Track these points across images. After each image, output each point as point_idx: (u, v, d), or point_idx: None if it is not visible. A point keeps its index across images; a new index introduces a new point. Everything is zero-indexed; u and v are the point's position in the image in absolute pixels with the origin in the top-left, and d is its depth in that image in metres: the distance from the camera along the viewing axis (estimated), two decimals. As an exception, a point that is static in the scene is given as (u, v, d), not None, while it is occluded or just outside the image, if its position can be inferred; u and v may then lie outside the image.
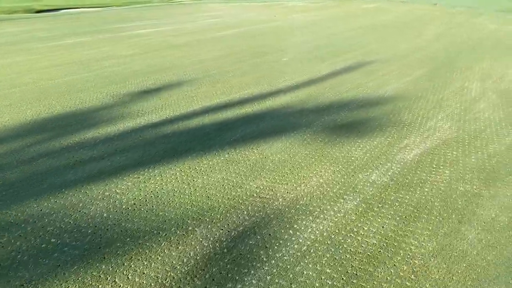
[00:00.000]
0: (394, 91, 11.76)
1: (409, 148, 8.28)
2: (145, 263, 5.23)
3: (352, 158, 7.89)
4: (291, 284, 4.90)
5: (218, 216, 6.20)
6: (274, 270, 5.10)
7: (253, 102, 11.02)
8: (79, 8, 46.19)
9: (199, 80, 13.06)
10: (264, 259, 5.29)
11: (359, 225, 5.97)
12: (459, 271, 5.09)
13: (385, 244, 5.55)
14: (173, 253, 5.40)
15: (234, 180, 7.20)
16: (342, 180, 7.21)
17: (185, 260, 5.28)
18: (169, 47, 18.32)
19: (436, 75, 13.26)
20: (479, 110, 10.32)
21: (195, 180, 7.21)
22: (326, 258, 5.31)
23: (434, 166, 7.67)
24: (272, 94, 11.55)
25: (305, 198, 6.62)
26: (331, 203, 6.51)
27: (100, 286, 4.87)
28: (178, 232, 5.85)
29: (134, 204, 6.50)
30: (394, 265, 5.18)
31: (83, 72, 14.04)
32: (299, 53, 16.61)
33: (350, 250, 5.45)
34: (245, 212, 6.27)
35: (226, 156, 8.03)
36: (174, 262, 5.23)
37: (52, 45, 18.80)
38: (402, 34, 19.96)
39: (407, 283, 4.89)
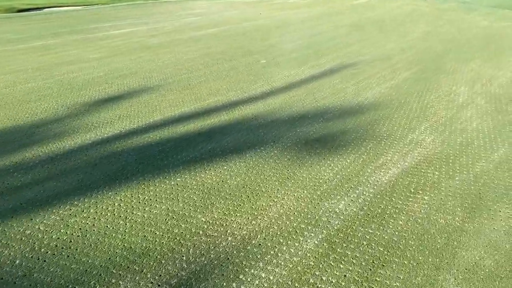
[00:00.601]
0: (375, 97, 10.75)
1: (385, 168, 7.28)
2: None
3: (321, 181, 6.89)
4: None
5: (151, 263, 5.17)
6: None
7: (222, 111, 9.99)
8: (63, 6, 44.78)
9: (167, 86, 12.00)
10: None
11: (317, 273, 4.97)
12: None
13: (345, 301, 4.56)
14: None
15: (181, 212, 6.18)
16: (306, 210, 6.21)
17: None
18: (141, 48, 17.20)
19: (422, 78, 12.25)
20: (466, 119, 9.33)
21: (134, 213, 6.18)
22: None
23: (412, 190, 6.69)
24: (244, 102, 10.54)
25: (259, 236, 5.61)
26: (289, 242, 5.51)
27: None
28: (97, 287, 4.81)
29: (56, 246, 5.46)
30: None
31: (44, 79, 12.97)
32: (280, 55, 15.56)
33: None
34: (185, 257, 5.25)
35: (178, 180, 7.01)
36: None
37: (18, 48, 17.67)
38: (389, 33, 18.95)
39: None
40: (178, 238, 5.61)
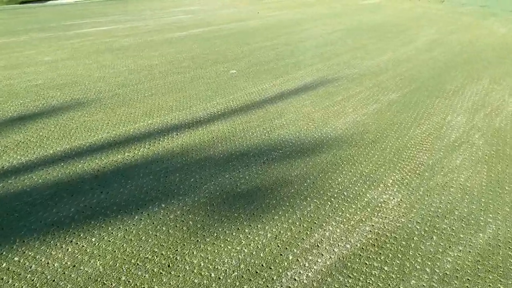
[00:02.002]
0: (345, 128, 8.48)
1: (315, 252, 5.03)
2: None
3: (212, 275, 4.68)
4: None
5: None
6: None
7: (144, 141, 7.86)
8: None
9: (103, 101, 9.98)
10: None
11: None
12: None
13: None
14: None
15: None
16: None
17: None
18: (105, 50, 15.19)
19: (412, 102, 9.88)
20: (453, 169, 6.98)
21: None
22: None
23: (345, 298, 4.45)
24: (182, 128, 8.51)
25: None
26: None
27: None
28: None
29: None
30: None
31: (-31, 85, 11.11)
32: (256, 63, 13.37)
33: None
34: None
35: (14, 261, 4.89)
36: None
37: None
38: (389, 40, 16.49)
39: None
40: None
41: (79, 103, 9.73)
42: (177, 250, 4.85)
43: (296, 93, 10.62)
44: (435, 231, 5.24)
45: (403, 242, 5.05)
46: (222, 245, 4.95)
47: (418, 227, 5.34)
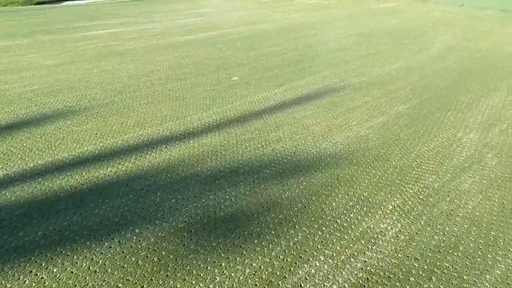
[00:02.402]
0: (347, 143, 7.88)
1: None
2: None
3: None
4: None
5: None
6: None
7: (131, 154, 7.43)
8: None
9: (95, 110, 9.57)
10: None
11: None
12: None
13: None
14: None
15: None
16: None
17: None
18: (107, 55, 14.86)
19: (421, 114, 9.21)
20: (460, 194, 6.31)
21: None
22: None
23: None
24: (173, 140, 8.08)
25: None
26: None
27: None
28: None
29: None
30: None
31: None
32: (259, 70, 12.85)
33: None
34: None
35: None
36: None
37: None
38: (403, 46, 15.77)
39: None
40: None
41: (70, 111, 9.32)
42: (142, 287, 4.32)
43: (298, 102, 10.03)
44: (435, 270, 4.60)
45: (397, 284, 4.42)
46: (193, 282, 4.41)
47: (416, 265, 4.70)
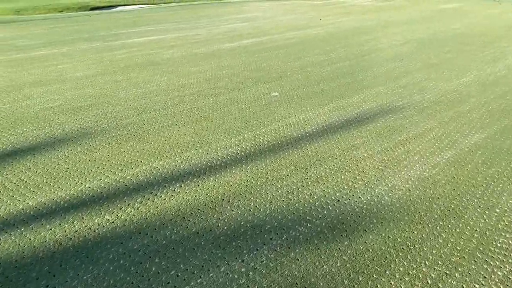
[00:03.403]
0: (406, 188, 6.17)
1: None
2: None
3: None
4: None
5: None
6: None
7: (136, 196, 6.18)
8: (137, 4, 44.18)
9: (111, 132, 8.43)
10: None
11: None
12: None
13: None
14: None
15: None
16: None
17: None
18: (143, 65, 13.86)
19: (504, 147, 7.30)
20: None
21: None
22: None
23: None
24: (189, 176, 6.87)
25: None
26: None
27: None
28: None
29: None
30: None
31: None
32: (303, 84, 11.26)
33: None
34: None
35: None
36: None
37: (9, 58, 15.43)
38: (472, 54, 13.47)
39: None
40: None
41: (84, 134, 8.16)
42: None
43: (347, 127, 8.25)
44: None
45: None
46: None
47: None
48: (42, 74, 13.01)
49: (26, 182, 6.67)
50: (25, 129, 8.76)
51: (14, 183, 6.62)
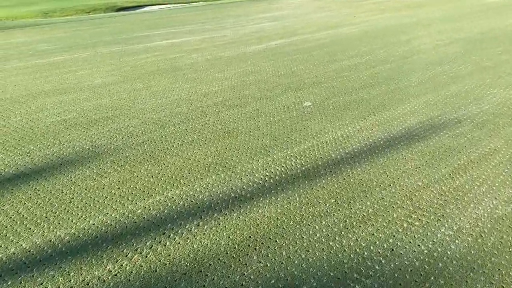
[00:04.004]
0: (477, 234, 5.03)
1: None
2: None
3: None
4: None
5: None
6: None
7: (136, 241, 5.06)
8: (164, 4, 43.84)
9: (124, 152, 7.51)
10: None
11: None
12: None
13: None
14: None
15: None
16: None
17: None
18: (166, 71, 13.02)
19: None
20: None
21: None
22: None
23: None
24: (209, 210, 5.87)
25: None
26: None
27: None
28: None
29: None
30: None
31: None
32: (339, 92, 10.08)
33: None
34: None
35: None
36: None
37: (29, 64, 14.96)
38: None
39: None
40: None
41: (95, 154, 7.22)
42: None
43: (394, 146, 6.97)
44: None
45: None
46: None
47: None
48: (60, 82, 12.22)
49: (23, 216, 5.74)
50: (32, 148, 7.87)
51: (11, 218, 5.71)
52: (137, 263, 4.80)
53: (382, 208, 5.54)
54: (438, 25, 18.49)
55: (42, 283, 4.56)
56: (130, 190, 6.31)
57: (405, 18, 20.63)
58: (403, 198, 5.76)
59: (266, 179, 6.43)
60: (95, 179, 6.73)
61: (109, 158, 7.46)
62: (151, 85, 11.48)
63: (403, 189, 5.95)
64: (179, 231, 5.32)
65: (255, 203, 5.82)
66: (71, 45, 17.48)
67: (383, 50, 14.23)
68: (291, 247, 4.91)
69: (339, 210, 5.56)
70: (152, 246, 5.08)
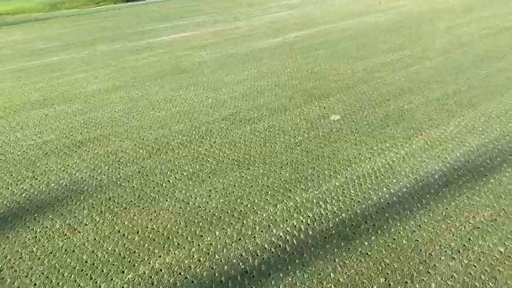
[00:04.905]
0: None
1: None
2: None
3: None
4: None
5: None
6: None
7: None
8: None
9: (109, 190, 6.05)
10: None
11: None
12: None
13: None
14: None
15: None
16: None
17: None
18: (169, 73, 11.47)
19: None
20: None
21: None
22: None
23: None
24: None
25: None
26: None
27: None
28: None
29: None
30: None
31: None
32: (372, 100, 8.41)
33: None
34: None
35: None
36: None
37: (19, 67, 13.73)
38: None
39: None
40: None
41: (71, 195, 5.68)
42: None
43: (455, 182, 5.09)
44: None
45: None
46: None
47: None
48: (50, 89, 10.70)
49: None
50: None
51: None
52: None
53: (455, 297, 3.73)
54: (476, 11, 16.22)
55: None
56: (106, 256, 4.62)
57: (436, 3, 18.36)
58: (477, 269, 3.93)
59: (288, 237, 4.67)
60: (65, 235, 5.10)
61: (88, 200, 5.82)
62: (151, 92, 9.77)
63: (485, 264, 4.11)
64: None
65: (272, 282, 4.07)
66: (70, 43, 15.91)
67: (419, 43, 12.17)
68: None
69: (392, 303, 3.76)
70: None
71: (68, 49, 15.52)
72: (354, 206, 5.19)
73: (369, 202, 5.26)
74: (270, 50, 13.20)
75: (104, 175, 6.46)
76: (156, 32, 17.65)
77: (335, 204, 5.26)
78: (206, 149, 7.02)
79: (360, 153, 6.46)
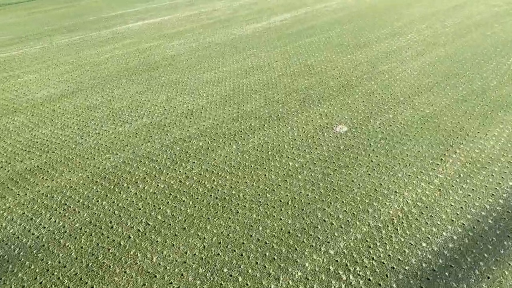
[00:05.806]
0: None
1: None
2: None
3: None
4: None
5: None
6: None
7: None
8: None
9: (35, 265, 4.02)
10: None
11: None
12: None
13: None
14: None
15: None
16: None
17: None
18: (133, 71, 9.49)
19: None
20: None
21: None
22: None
23: None
24: None
25: None
26: None
27: None
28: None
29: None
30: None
31: None
32: (383, 103, 6.84)
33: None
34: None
35: None
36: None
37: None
38: None
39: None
40: None
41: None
42: None
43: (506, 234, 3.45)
44: None
45: None
46: None
47: None
48: (-10, 96, 8.60)
49: None
50: None
51: None
52: None
53: None
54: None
55: None
56: None
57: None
58: None
59: None
60: None
61: (15, 274, 4.02)
62: (113, 97, 7.87)
63: None
64: None
65: None
66: (23, 35, 13.69)
67: (426, 24, 10.41)
68: None
69: None
70: None
71: (20, 42, 13.33)
72: (380, 273, 3.52)
73: (389, 269, 3.58)
74: (254, 38, 11.30)
75: (42, 231, 4.67)
76: (122, 19, 15.48)
77: (361, 277, 3.58)
78: (181, 181, 5.28)
79: (381, 183, 4.80)
